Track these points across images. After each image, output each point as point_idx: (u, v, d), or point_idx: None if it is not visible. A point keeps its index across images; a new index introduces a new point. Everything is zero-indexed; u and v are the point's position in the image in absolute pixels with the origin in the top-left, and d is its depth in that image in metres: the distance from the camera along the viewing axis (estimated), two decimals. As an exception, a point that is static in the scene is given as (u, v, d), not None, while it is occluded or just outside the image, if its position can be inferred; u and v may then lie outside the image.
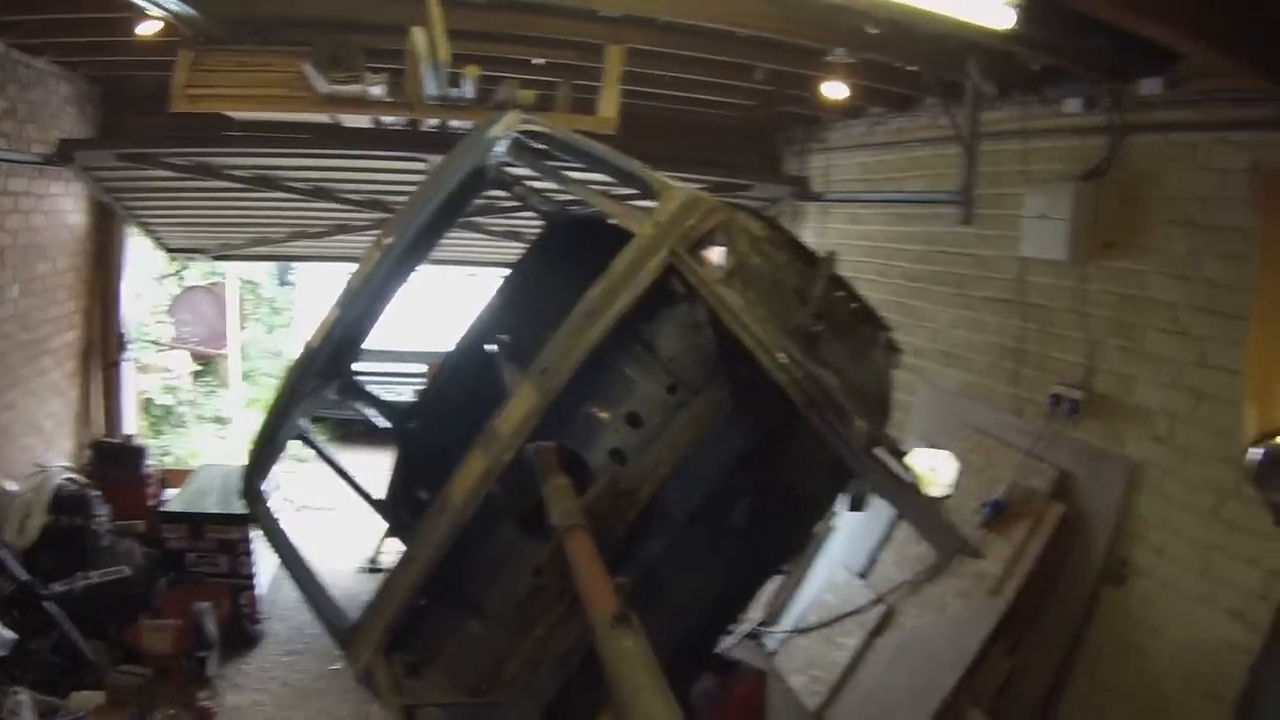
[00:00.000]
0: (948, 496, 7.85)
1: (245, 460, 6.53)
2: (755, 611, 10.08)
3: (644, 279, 4.75)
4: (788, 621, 9.90)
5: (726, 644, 9.20)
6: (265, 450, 6.41)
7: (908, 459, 4.92)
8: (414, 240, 6.03)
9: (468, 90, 8.41)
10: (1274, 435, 4.71)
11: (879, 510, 7.85)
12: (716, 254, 4.87)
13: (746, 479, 5.54)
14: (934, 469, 7.99)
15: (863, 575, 9.19)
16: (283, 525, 6.38)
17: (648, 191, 5.26)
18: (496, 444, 4.77)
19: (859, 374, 5.18)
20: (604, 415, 5.32)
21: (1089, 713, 7.25)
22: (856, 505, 6.13)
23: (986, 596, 7.67)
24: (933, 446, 8.64)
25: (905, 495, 4.91)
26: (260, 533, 6.96)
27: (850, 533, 9.58)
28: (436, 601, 5.24)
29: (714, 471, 5.41)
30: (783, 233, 5.47)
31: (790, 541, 6.65)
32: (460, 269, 16.45)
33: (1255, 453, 4.71)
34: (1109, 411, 7.45)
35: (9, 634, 7.80)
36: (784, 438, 5.26)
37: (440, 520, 4.89)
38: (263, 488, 6.52)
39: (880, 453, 4.70)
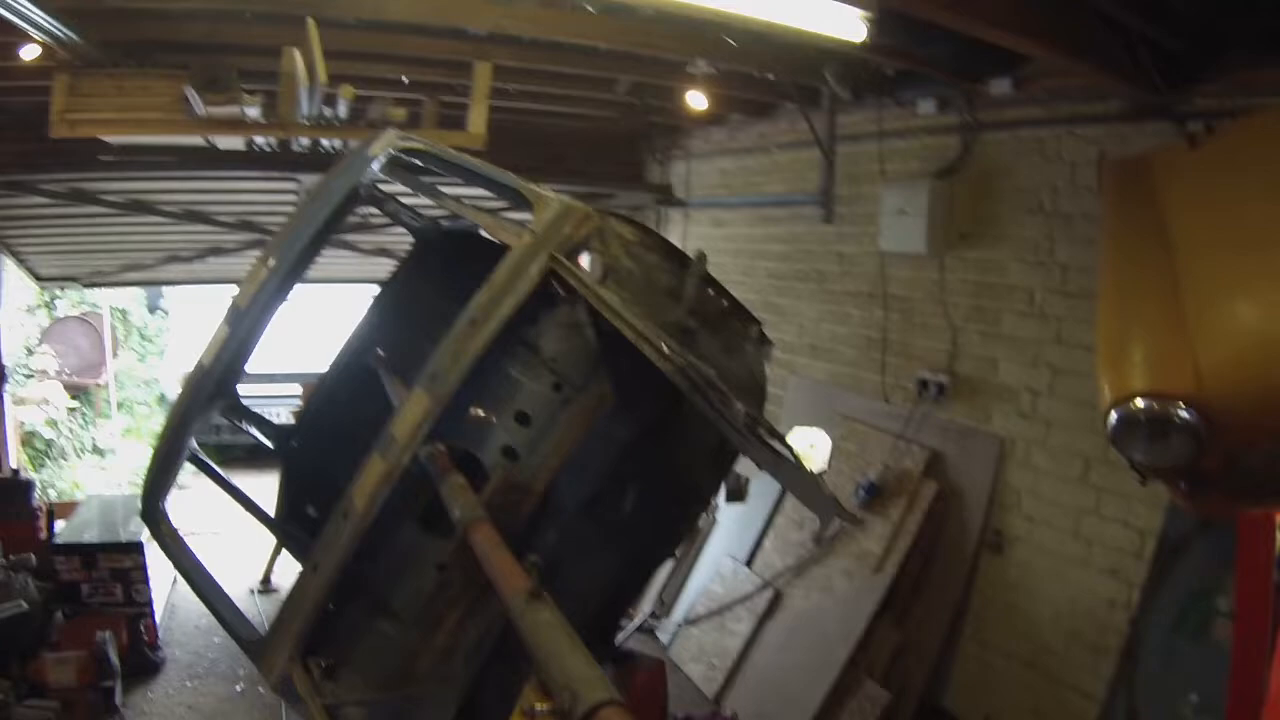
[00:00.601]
0: (825, 471, 8.22)
1: (143, 481, 6.58)
2: (645, 605, 10.38)
3: (525, 285, 4.96)
4: (679, 613, 10.21)
5: (621, 637, 9.46)
6: (162, 469, 6.41)
7: (787, 438, 5.24)
8: (298, 258, 6.20)
9: (341, 110, 8.55)
10: (1128, 397, 5.04)
11: (759, 501, 8.17)
12: (584, 260, 5.18)
13: (634, 468, 5.73)
14: (812, 446, 8.38)
15: (748, 563, 9.53)
16: (186, 544, 6.47)
17: (523, 203, 5.52)
18: (394, 448, 4.94)
19: (733, 365, 5.48)
20: (494, 416, 5.53)
21: (979, 674, 7.69)
22: (735, 497, 6.42)
23: (871, 574, 8.08)
24: (808, 430, 9.06)
25: (787, 469, 5.18)
26: (162, 553, 7.00)
27: (733, 524, 9.91)
28: (345, 604, 5.34)
29: (602, 463, 5.59)
30: (653, 236, 5.73)
31: (678, 528, 6.88)
32: (331, 287, 16.47)
33: (1113, 415, 5.04)
34: (974, 392, 7.89)
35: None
36: (667, 428, 5.50)
37: (344, 526, 5.02)
38: (164, 506, 6.61)
39: (761, 432, 5.01)
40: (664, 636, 10.25)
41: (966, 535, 7.76)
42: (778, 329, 9.97)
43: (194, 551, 6.33)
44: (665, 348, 4.77)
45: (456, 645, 5.24)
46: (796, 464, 5.17)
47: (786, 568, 8.99)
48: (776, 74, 8.59)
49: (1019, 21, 5.90)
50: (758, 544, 9.56)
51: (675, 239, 11.66)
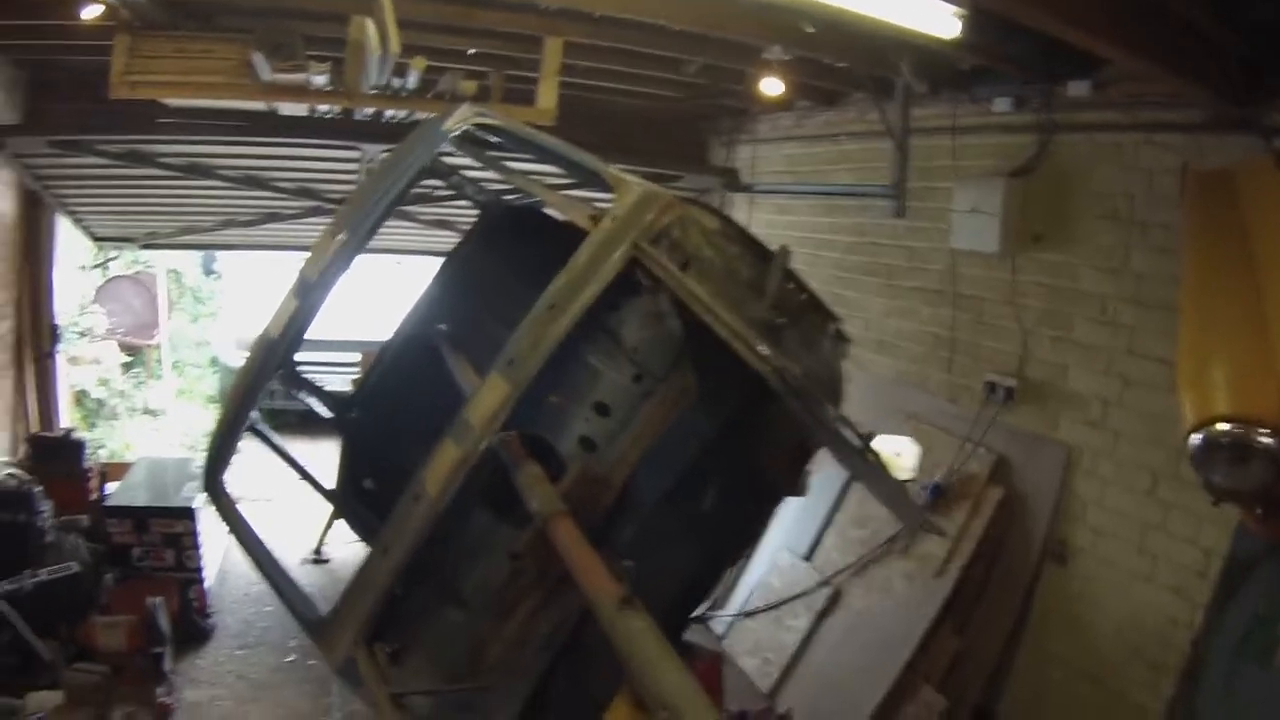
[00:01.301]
0: (911, 479, 8.09)
1: (206, 454, 6.55)
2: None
3: (607, 271, 4.87)
4: (734, 605, 10.14)
5: None
6: (225, 442, 6.39)
7: (873, 443, 5.14)
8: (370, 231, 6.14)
9: (411, 81, 8.54)
10: (1211, 421, 4.95)
11: (820, 495, 8.04)
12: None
13: (714, 464, 5.66)
14: (898, 453, 8.25)
15: (807, 558, 9.44)
16: (246, 518, 6.39)
17: (597, 184, 5.44)
18: (470, 434, 4.87)
19: (811, 362, 5.41)
20: (573, 404, 5.43)
21: (1037, 685, 7.55)
22: (797, 490, 6.31)
23: (932, 578, 7.98)
24: (872, 433, 8.89)
25: (875, 476, 5.11)
26: (224, 526, 7.00)
27: (792, 517, 9.79)
28: (413, 588, 5.30)
29: (682, 457, 5.51)
30: (734, 227, 5.64)
31: (754, 524, 6.80)
32: (389, 257, 16.47)
33: (1195, 438, 4.95)
34: (1043, 397, 7.73)
35: (-39, 638, 7.63)
36: (748, 423, 5.42)
37: (415, 510, 4.97)
38: (224, 480, 6.49)
39: (851, 436, 4.91)
40: (719, 627, 10.18)
41: (1030, 544, 7.62)
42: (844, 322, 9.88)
43: (254, 526, 6.30)
44: (761, 348, 4.69)
45: (528, 636, 5.18)
46: (885, 472, 5.09)
47: (847, 565, 8.89)
48: (850, 63, 8.43)
49: (1104, 23, 5.75)
50: (818, 539, 9.46)
51: (739, 225, 11.61)
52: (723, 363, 4.79)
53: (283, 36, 7.81)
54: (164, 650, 9.48)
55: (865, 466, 4.98)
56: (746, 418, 5.34)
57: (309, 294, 6.00)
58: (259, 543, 6.21)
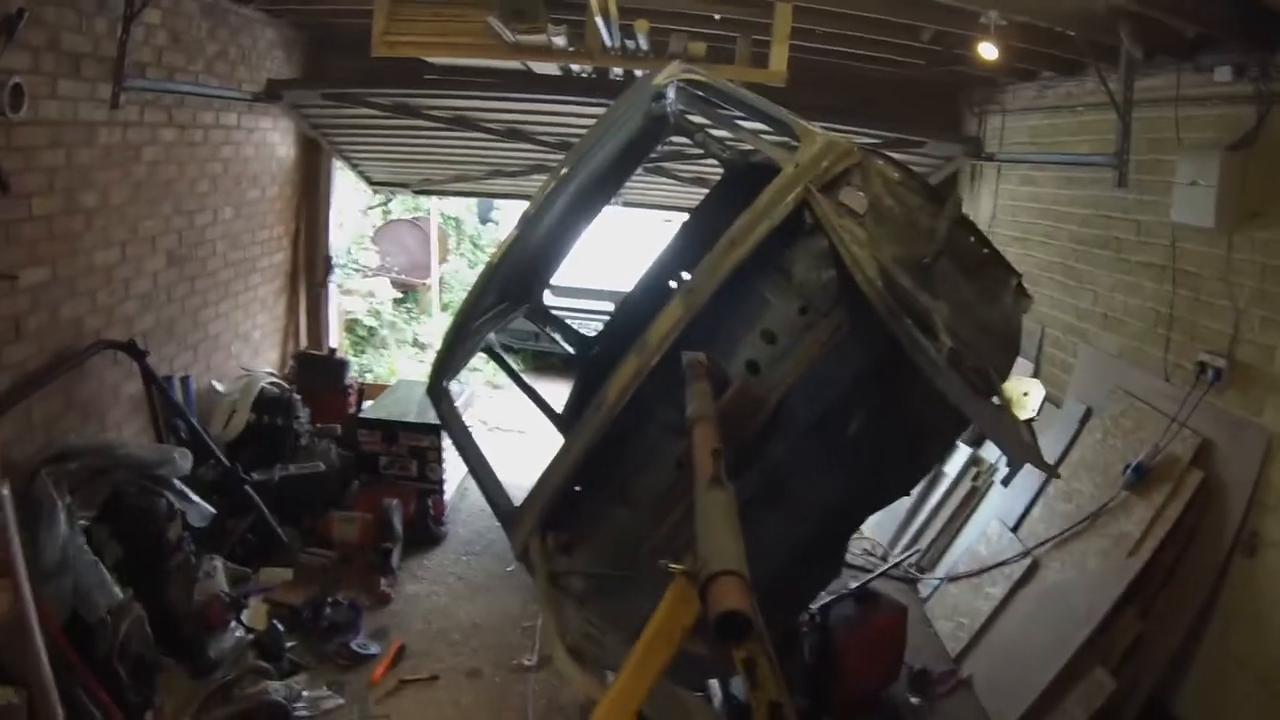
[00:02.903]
0: (1033, 419, 8.03)
1: (433, 362, 7.25)
2: (911, 555, 10.74)
3: (780, 212, 5.42)
4: (942, 569, 10.27)
5: (873, 580, 9.93)
6: (450, 352, 7.32)
7: (1002, 383, 5.24)
8: (591, 177, 6.64)
9: (641, 42, 9.03)
10: None
11: (1034, 470, 7.99)
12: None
13: (864, 397, 6.03)
14: (1025, 394, 8.19)
15: (1014, 529, 9.35)
16: (462, 419, 7.28)
17: (792, 136, 5.73)
18: (646, 349, 5.51)
19: (987, 313, 5.70)
20: (744, 331, 6.00)
21: (1213, 680, 7.23)
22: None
23: (1124, 557, 7.78)
24: (1090, 407, 8.89)
25: (982, 406, 5.19)
26: (441, 425, 7.65)
27: (1010, 490, 9.79)
28: (593, 491, 6.01)
29: (834, 387, 5.96)
30: (917, 179, 5.98)
31: (908, 468, 7.03)
32: (651, 212, 17.03)
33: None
34: (1250, 381, 7.41)
35: (208, 508, 8.38)
36: (900, 364, 5.51)
37: (596, 415, 5.61)
38: (448, 386, 7.44)
39: (964, 367, 5.05)
40: (924, 589, 10.30)
41: (1224, 533, 7.31)
42: (1075, 295, 9.89)
43: (468, 427, 7.41)
44: (867, 273, 4.93)
45: (676, 537, 5.74)
46: (994, 403, 5.21)
47: (1048, 538, 8.76)
48: (1075, 30, 8.26)
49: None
50: (1026, 511, 9.36)
51: (987, 195, 11.58)
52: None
53: (522, 2, 8.27)
54: (393, 547, 10.31)
55: (969, 394, 5.06)
56: (899, 357, 5.46)
57: (528, 226, 6.92)
58: (472, 442, 7.16)
